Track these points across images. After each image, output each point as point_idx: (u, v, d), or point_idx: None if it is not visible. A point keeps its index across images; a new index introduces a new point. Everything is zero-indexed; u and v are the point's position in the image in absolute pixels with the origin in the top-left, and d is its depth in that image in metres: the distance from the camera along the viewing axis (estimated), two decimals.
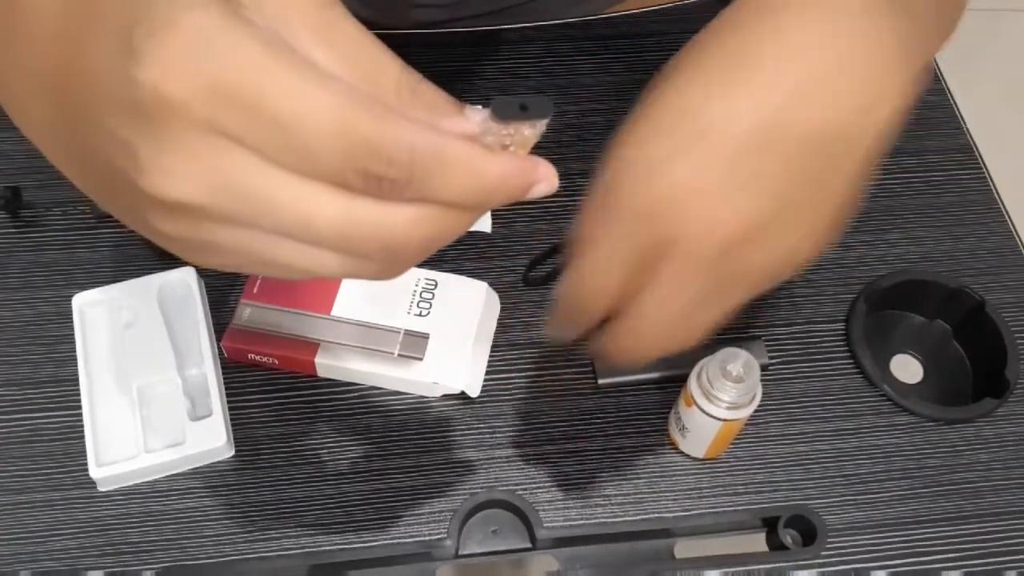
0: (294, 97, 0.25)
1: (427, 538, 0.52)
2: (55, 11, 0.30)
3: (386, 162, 0.26)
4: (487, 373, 0.57)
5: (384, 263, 0.29)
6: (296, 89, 0.25)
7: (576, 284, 0.37)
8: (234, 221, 0.27)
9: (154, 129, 0.25)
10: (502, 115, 0.28)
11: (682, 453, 0.54)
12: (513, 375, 0.57)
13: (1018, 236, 0.64)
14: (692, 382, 0.50)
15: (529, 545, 0.52)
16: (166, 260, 0.59)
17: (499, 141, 0.29)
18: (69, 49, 0.28)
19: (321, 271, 0.29)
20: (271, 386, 0.56)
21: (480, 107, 0.29)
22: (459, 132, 0.28)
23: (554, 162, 0.30)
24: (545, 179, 0.29)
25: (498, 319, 0.59)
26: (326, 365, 0.55)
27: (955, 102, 0.70)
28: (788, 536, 0.52)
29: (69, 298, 0.57)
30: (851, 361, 0.58)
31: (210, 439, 0.53)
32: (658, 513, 0.53)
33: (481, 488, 0.53)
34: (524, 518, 0.52)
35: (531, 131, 0.29)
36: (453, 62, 0.69)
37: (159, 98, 0.25)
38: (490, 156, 0.28)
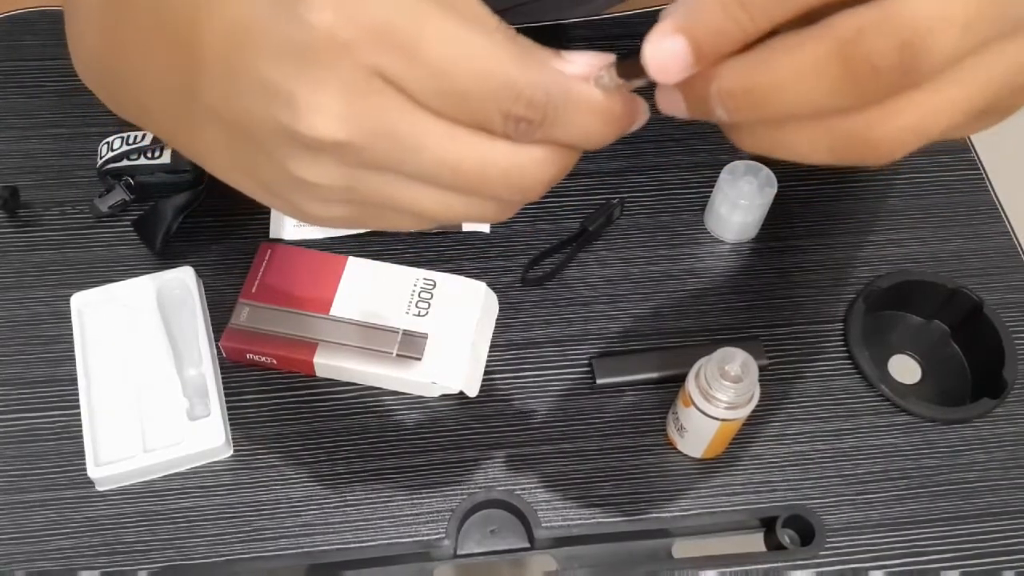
0: (450, 41, 0.26)
1: (425, 538, 0.52)
2: None
3: (526, 103, 0.27)
4: (485, 373, 0.57)
5: (508, 204, 0.30)
6: (452, 33, 0.26)
7: None
8: (379, 164, 0.28)
9: (316, 70, 0.26)
10: (625, 74, 0.29)
11: (680, 453, 0.54)
12: (511, 375, 0.57)
13: (1016, 237, 0.64)
14: (690, 382, 0.50)
15: (527, 545, 0.52)
16: (165, 260, 0.60)
17: (612, 84, 0.30)
18: (202, 3, 0.29)
19: (446, 215, 0.30)
20: (269, 386, 0.56)
21: (580, 51, 0.30)
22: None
23: None
24: (642, 114, 0.31)
25: (496, 319, 0.59)
26: (324, 365, 0.55)
27: None
28: (786, 536, 0.52)
29: (67, 298, 0.57)
30: (849, 361, 0.58)
31: (208, 439, 0.53)
32: (656, 513, 0.53)
33: (479, 488, 0.53)
34: (522, 518, 0.52)
35: (644, 81, 0.29)
36: None
37: (329, 39, 0.26)
38: (607, 96, 0.29)
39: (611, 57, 0.30)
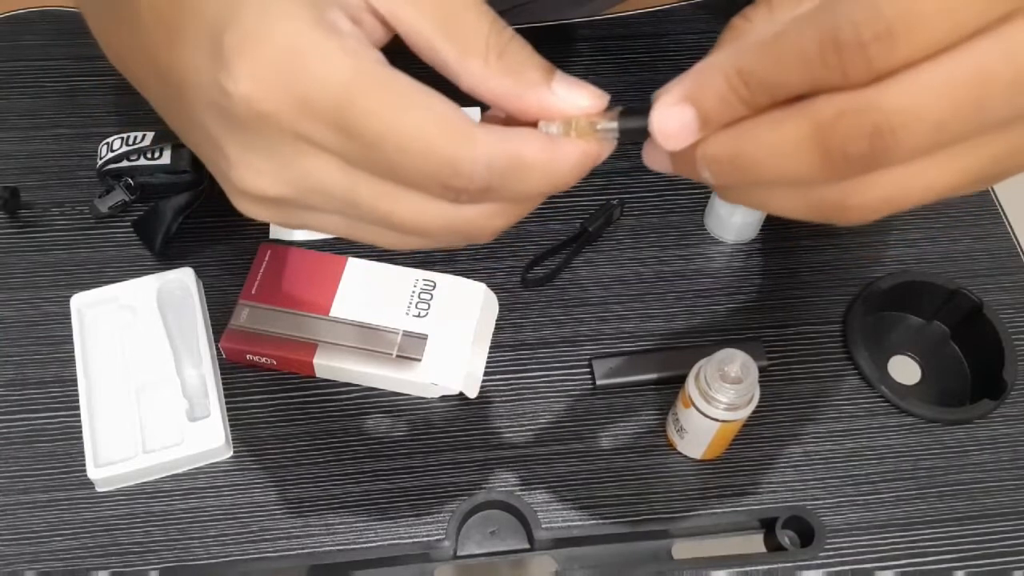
0: (378, 118, 0.26)
1: (425, 539, 0.52)
2: None
3: (467, 179, 0.26)
4: (485, 374, 0.57)
5: (457, 244, 0.30)
6: (379, 109, 0.26)
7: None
8: (315, 209, 0.29)
9: (242, 133, 0.27)
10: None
11: (680, 454, 0.55)
12: (511, 376, 0.57)
13: (1016, 238, 0.64)
14: (690, 383, 0.50)
15: (527, 546, 0.52)
16: (165, 261, 0.60)
17: (588, 124, 0.29)
18: (167, 38, 0.29)
19: (385, 246, 0.30)
20: (269, 387, 0.56)
21: (571, 80, 0.29)
22: (541, 106, 0.28)
23: None
24: (603, 156, 0.30)
25: (496, 320, 0.59)
26: (324, 366, 0.55)
27: None
28: (786, 537, 0.52)
29: (67, 298, 0.57)
30: (849, 362, 0.58)
31: (208, 440, 0.53)
32: (656, 514, 0.53)
33: (479, 489, 0.53)
34: (522, 519, 0.52)
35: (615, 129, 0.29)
36: None
37: (248, 109, 0.26)
38: (563, 151, 0.28)
39: (597, 93, 0.29)
